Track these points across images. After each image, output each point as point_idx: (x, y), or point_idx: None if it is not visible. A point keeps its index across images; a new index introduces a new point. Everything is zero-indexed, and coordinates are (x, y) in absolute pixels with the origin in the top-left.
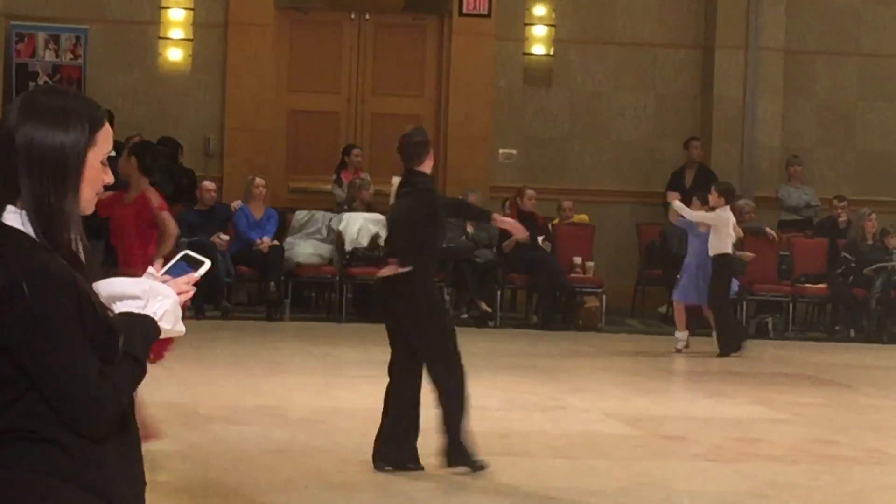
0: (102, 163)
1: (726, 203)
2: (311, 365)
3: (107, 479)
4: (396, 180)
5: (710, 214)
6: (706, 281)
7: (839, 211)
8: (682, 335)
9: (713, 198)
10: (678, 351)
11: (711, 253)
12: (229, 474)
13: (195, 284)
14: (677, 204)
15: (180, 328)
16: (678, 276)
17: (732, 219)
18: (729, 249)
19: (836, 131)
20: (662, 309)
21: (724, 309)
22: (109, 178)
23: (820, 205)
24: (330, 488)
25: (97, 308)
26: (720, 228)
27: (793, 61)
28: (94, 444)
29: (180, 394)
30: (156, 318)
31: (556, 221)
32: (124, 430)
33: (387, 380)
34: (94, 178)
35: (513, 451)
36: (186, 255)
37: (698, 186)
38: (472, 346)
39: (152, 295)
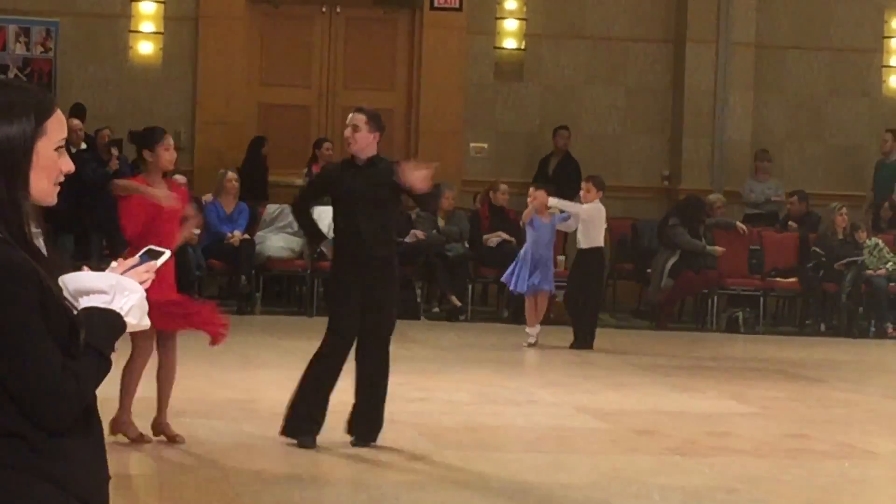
0: (59, 151)
1: (600, 196)
2: (282, 359)
3: (71, 472)
4: None
5: (588, 207)
6: (546, 267)
7: (789, 207)
8: (535, 330)
9: (588, 192)
10: (531, 345)
11: (584, 246)
12: (199, 468)
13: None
14: (554, 200)
15: (146, 323)
16: (518, 268)
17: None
18: (602, 243)
19: (806, 126)
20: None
21: (597, 304)
22: (68, 167)
23: (783, 199)
24: (300, 482)
25: (60, 302)
26: (596, 222)
27: (763, 56)
28: (58, 438)
29: (150, 387)
30: (122, 313)
31: None
32: (88, 424)
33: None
34: (49, 168)
35: (483, 445)
36: (149, 250)
37: (562, 175)
38: (443, 340)
39: (119, 290)
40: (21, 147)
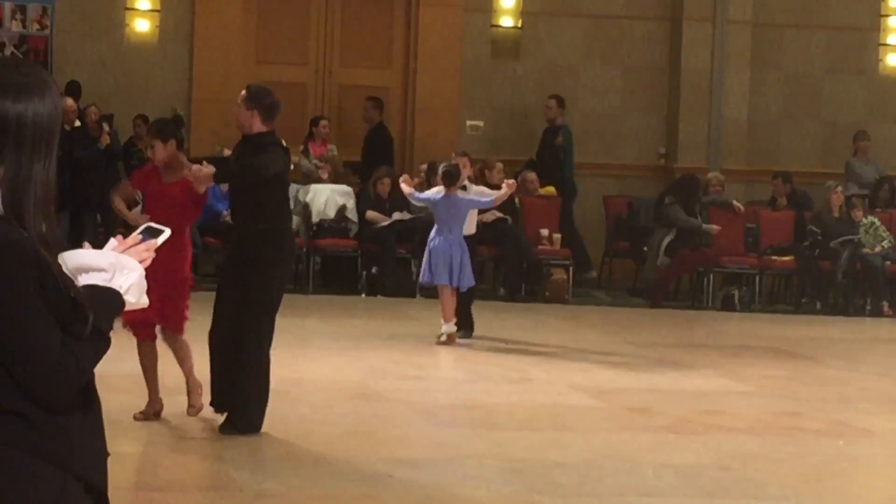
0: None
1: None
2: (277, 336)
3: (71, 450)
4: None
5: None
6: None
7: (773, 189)
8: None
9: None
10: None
11: (472, 231)
12: (193, 446)
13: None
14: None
15: (144, 301)
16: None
17: None
18: (474, 230)
19: (802, 104)
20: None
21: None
22: None
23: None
24: (293, 461)
25: (60, 281)
26: (474, 212)
27: (760, 34)
28: (58, 416)
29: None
30: (121, 292)
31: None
32: (87, 402)
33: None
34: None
35: (478, 423)
36: (148, 227)
37: None
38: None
39: (119, 268)
40: (56, 123)
